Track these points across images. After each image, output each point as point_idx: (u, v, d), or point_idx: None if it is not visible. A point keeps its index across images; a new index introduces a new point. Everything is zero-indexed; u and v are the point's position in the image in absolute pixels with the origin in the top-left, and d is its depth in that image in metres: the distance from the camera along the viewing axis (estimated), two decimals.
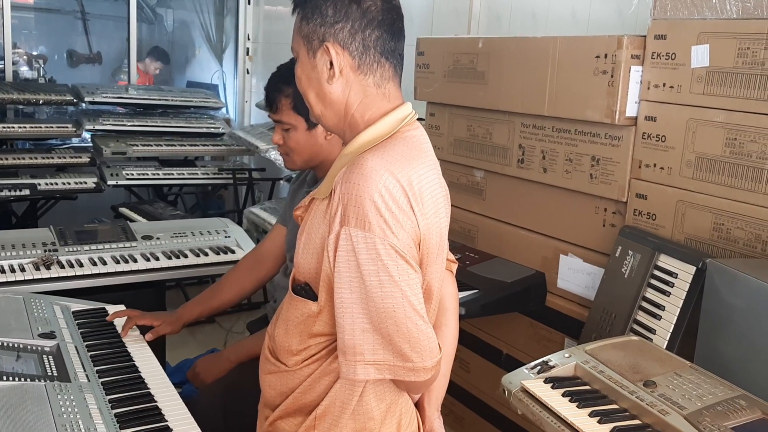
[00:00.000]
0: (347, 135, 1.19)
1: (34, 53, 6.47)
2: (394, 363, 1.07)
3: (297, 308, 1.17)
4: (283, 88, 1.71)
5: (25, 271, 2.03)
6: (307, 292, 1.15)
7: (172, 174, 4.46)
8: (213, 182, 4.58)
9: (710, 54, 1.75)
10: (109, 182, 4.16)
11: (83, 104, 4.45)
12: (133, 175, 4.28)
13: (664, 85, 1.86)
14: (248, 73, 5.27)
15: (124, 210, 3.97)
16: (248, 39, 5.22)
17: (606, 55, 1.93)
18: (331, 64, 1.13)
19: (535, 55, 2.12)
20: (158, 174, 4.40)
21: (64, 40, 7.28)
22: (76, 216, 4.47)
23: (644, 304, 1.79)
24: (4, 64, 4.76)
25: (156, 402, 1.40)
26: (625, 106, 1.92)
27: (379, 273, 1.04)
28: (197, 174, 4.52)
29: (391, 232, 1.05)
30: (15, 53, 5.16)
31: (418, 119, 1.24)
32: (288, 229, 1.93)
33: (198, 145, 4.62)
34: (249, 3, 5.11)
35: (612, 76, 1.92)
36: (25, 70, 5.60)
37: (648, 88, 1.90)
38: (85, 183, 4.16)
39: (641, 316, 1.79)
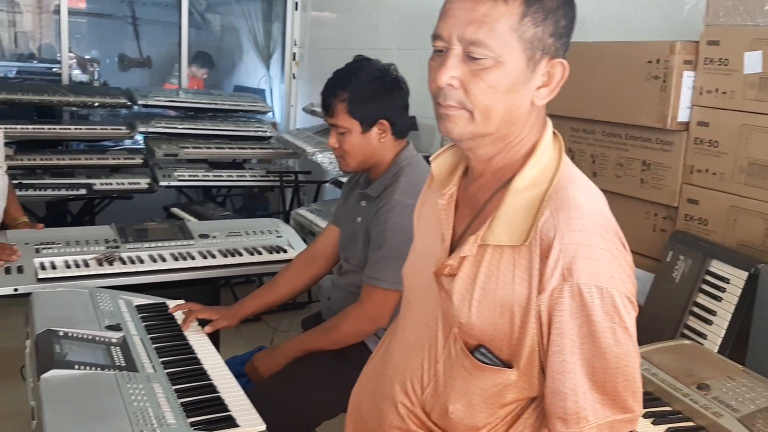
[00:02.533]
0: (506, 156, 1.03)
1: (87, 57, 6.69)
2: (614, 419, 0.97)
3: (486, 378, 1.02)
4: (338, 93, 1.76)
5: (89, 266, 2.12)
6: (487, 357, 1.02)
7: (222, 176, 4.57)
8: (260, 184, 4.68)
9: (763, 60, 1.75)
10: (161, 183, 4.28)
11: (136, 107, 4.60)
12: (184, 176, 4.39)
13: (716, 90, 1.87)
14: (294, 77, 5.36)
15: (176, 210, 4.09)
16: (295, 44, 5.31)
17: (658, 61, 1.94)
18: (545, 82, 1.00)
19: (586, 60, 2.13)
20: (208, 176, 4.51)
21: (116, 45, 7.50)
22: (128, 215, 4.59)
23: (695, 309, 1.79)
24: (61, 68, 4.93)
25: (219, 393, 1.46)
26: (677, 111, 1.93)
27: (615, 328, 0.94)
28: (245, 176, 4.62)
29: (627, 281, 0.95)
30: (68, 57, 5.33)
31: None
32: (342, 230, 1.98)
33: (246, 148, 4.72)
34: (296, 9, 5.20)
35: (664, 81, 1.93)
36: (77, 74, 5.78)
37: (700, 94, 1.90)
38: (139, 183, 4.29)
39: (692, 321, 1.79)
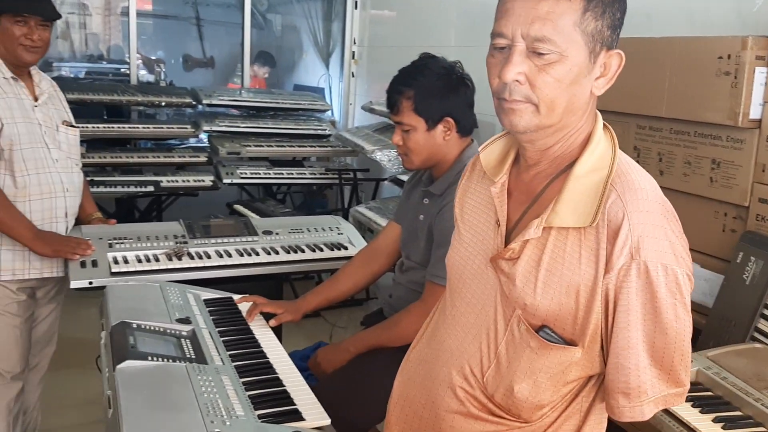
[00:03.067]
0: (564, 145, 1.07)
1: (153, 58, 6.89)
2: (668, 392, 1.02)
3: (552, 357, 1.05)
4: (404, 90, 1.78)
5: (159, 261, 2.19)
6: (551, 336, 1.05)
7: (282, 174, 4.66)
8: (320, 182, 4.75)
9: None
10: (224, 180, 4.40)
11: (200, 106, 4.72)
12: (246, 174, 4.49)
13: None
14: (353, 76, 5.40)
15: (238, 207, 4.18)
16: (354, 43, 5.35)
17: (729, 56, 1.88)
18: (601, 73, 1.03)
19: (652, 56, 2.09)
20: (269, 173, 4.60)
21: (180, 45, 7.70)
22: (193, 211, 4.72)
23: (767, 312, 1.74)
24: (129, 68, 5.10)
25: (285, 386, 1.49)
26: (749, 108, 1.87)
27: (677, 305, 0.98)
28: (305, 174, 4.69)
29: (687, 259, 1.00)
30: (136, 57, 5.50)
31: None
32: (403, 228, 2.00)
33: (305, 146, 4.79)
34: (356, 7, 5.24)
35: (735, 78, 1.87)
36: (143, 74, 5.96)
37: None
38: (203, 181, 4.41)
39: (763, 324, 1.74)
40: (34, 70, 2.25)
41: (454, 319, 1.19)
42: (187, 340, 1.64)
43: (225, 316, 1.87)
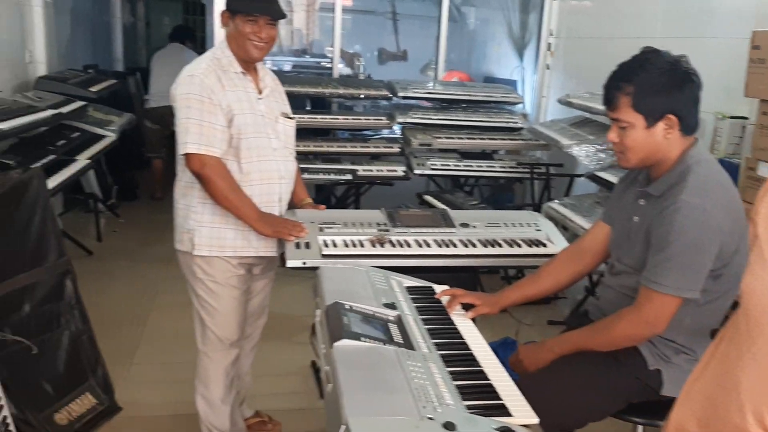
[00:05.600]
0: None
1: (350, 51, 7.21)
2: None
3: None
4: (623, 86, 1.70)
5: (363, 246, 2.29)
6: None
7: (472, 166, 4.67)
8: (510, 176, 4.70)
9: None
10: (415, 171, 4.50)
11: (395, 98, 4.86)
12: (436, 165, 4.56)
13: None
14: (548, 68, 5.27)
15: (428, 198, 4.26)
16: (551, 34, 5.22)
17: None
18: None
19: None
20: (459, 165, 4.64)
21: (375, 39, 7.98)
22: (384, 200, 4.87)
23: None
24: (332, 62, 5.37)
25: (490, 380, 1.50)
26: None
27: None
28: (495, 167, 4.67)
29: None
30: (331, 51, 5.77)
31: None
32: (614, 228, 1.92)
33: (496, 139, 4.77)
34: None
35: None
36: (341, 67, 6.26)
37: None
38: (395, 171, 4.55)
39: None
40: (259, 65, 2.44)
41: (753, 358, 1.09)
42: (395, 325, 1.70)
43: (426, 304, 1.92)
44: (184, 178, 2.31)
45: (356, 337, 1.55)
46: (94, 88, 5.00)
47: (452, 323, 1.81)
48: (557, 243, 2.40)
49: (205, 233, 2.29)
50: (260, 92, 2.38)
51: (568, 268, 2.02)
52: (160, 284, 4.26)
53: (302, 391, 3.10)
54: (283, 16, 2.29)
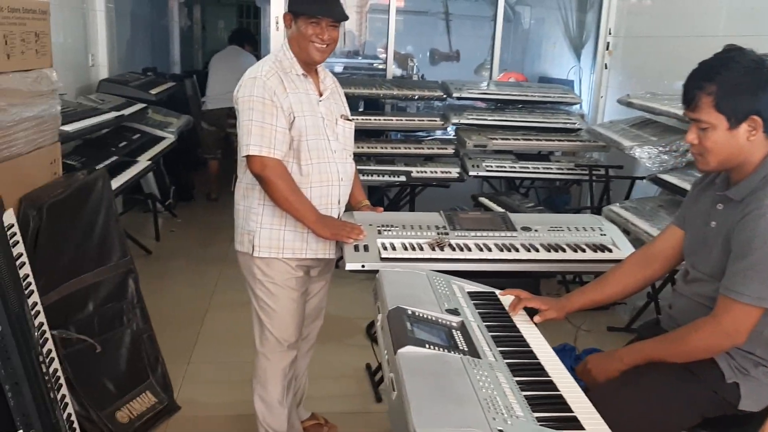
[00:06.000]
0: None
1: (402, 52, 7.18)
2: None
3: None
4: (704, 86, 1.63)
5: (423, 250, 2.26)
6: None
7: (528, 167, 4.59)
8: (567, 177, 4.61)
9: None
10: (470, 173, 4.45)
11: (449, 99, 4.81)
12: (492, 167, 4.50)
13: None
14: (606, 68, 5.15)
15: (483, 200, 4.20)
16: (609, 33, 5.09)
17: None
18: None
19: None
20: (515, 167, 4.57)
21: (428, 40, 7.94)
22: (437, 202, 4.85)
23: None
24: (386, 63, 5.36)
25: (559, 391, 1.45)
26: None
27: None
28: (551, 168, 4.58)
29: None
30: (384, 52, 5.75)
31: None
32: (688, 233, 1.84)
33: (553, 140, 4.68)
34: None
35: None
36: (393, 68, 6.24)
37: None
38: (450, 173, 4.51)
39: None
40: (320, 67, 2.43)
41: None
42: (458, 332, 1.66)
43: (490, 310, 1.88)
44: (245, 180, 2.32)
45: (421, 343, 1.52)
46: (153, 91, 5.10)
47: (517, 330, 1.77)
48: (623, 248, 2.33)
49: (264, 235, 2.29)
50: (320, 94, 2.37)
51: (637, 274, 1.94)
52: (216, 284, 4.31)
53: (358, 394, 3.09)
54: (345, 17, 2.28)
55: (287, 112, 2.22)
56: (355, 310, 3.76)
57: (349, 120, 2.47)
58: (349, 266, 2.15)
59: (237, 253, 2.39)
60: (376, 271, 1.99)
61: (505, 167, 4.55)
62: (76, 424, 2.16)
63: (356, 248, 2.22)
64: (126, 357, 2.60)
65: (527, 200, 4.30)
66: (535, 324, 1.84)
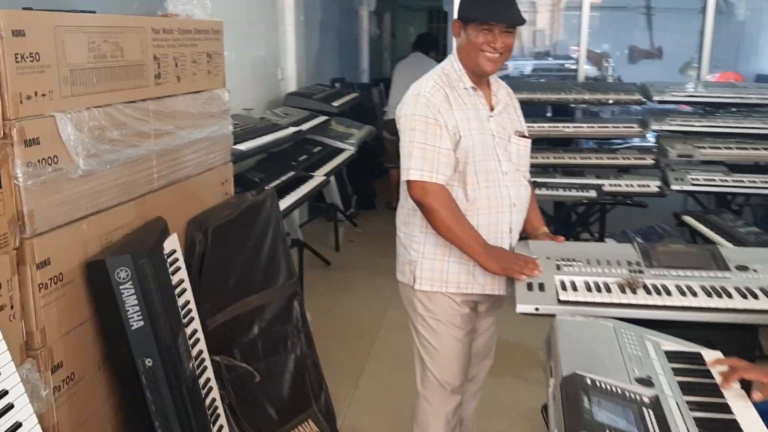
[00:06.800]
0: None
1: (597, 51, 6.66)
2: None
3: None
4: None
5: (610, 292, 1.92)
6: None
7: (743, 181, 3.96)
8: None
9: None
10: (672, 186, 3.94)
11: (650, 103, 4.29)
12: (699, 180, 3.95)
13: None
14: None
15: (688, 219, 3.66)
16: None
17: None
18: None
19: None
20: (726, 180, 3.97)
21: (625, 37, 7.33)
22: (632, 220, 4.36)
23: None
24: (577, 64, 4.94)
25: None
26: None
27: None
28: None
29: None
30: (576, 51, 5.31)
31: None
32: None
33: None
34: None
35: None
36: (587, 68, 5.77)
37: None
38: (648, 186, 4.02)
39: None
40: (493, 78, 2.18)
41: None
42: (650, 410, 1.33)
43: (693, 379, 1.51)
44: (406, 205, 2.13)
45: (600, 429, 1.22)
46: (336, 103, 5.14)
47: (731, 413, 1.39)
48: None
49: (426, 266, 2.09)
50: (492, 109, 2.12)
51: None
52: (392, 299, 4.20)
53: None
54: (522, 22, 2.01)
55: (452, 131, 1.99)
56: (534, 338, 3.43)
57: (524, 137, 2.19)
58: (520, 308, 1.87)
59: (398, 284, 2.21)
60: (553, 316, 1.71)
61: (714, 180, 3.97)
62: None
63: (530, 286, 1.93)
64: (289, 383, 2.54)
65: (741, 220, 3.69)
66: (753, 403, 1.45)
